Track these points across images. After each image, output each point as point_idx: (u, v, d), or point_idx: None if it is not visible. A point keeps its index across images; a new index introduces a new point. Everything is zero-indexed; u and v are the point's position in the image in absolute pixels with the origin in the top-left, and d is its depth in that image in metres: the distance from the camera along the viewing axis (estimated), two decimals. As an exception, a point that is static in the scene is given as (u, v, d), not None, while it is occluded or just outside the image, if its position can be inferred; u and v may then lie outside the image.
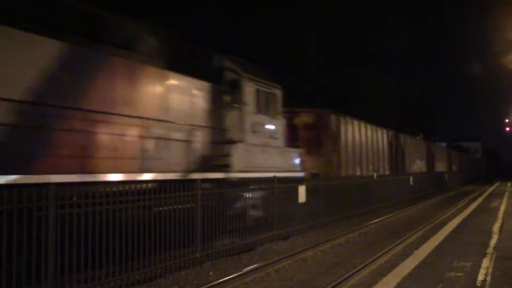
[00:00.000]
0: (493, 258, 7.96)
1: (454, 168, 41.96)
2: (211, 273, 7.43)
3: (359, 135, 17.87)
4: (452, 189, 33.02)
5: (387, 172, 20.89)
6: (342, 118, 16.47)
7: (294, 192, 11.20)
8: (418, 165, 27.68)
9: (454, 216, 15.09)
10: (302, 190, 11.57)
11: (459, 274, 6.86)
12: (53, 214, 5.48)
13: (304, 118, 14.53)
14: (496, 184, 42.22)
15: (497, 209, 16.89)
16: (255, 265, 7.74)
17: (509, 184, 40.46)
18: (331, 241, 10.32)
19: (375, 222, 13.72)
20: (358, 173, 17.23)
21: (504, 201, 20.26)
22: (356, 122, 17.75)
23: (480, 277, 6.66)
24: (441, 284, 6.28)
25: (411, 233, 11.36)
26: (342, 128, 16.33)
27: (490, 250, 8.76)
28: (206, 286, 6.53)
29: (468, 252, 8.57)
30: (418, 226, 12.75)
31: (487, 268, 7.20)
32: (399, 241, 10.15)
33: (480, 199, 22.35)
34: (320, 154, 14.61)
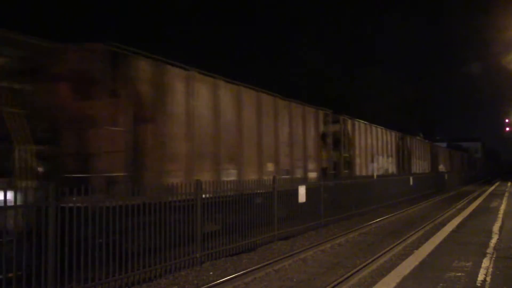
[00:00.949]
0: (493, 258, 7.95)
1: (442, 167, 35.38)
2: (211, 273, 7.43)
3: (237, 110, 10.35)
4: (452, 189, 33.00)
5: (312, 175, 13.47)
6: (180, 72, 8.73)
7: None
8: (381, 164, 20.50)
9: (454, 216, 15.08)
10: (302, 190, 11.56)
11: (459, 274, 6.85)
12: (53, 214, 5.48)
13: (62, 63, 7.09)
14: (496, 184, 42.21)
15: (497, 209, 16.87)
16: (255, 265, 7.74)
17: (509, 184, 40.46)
18: (331, 241, 10.32)
19: (375, 222, 13.71)
20: (230, 177, 9.68)
21: (504, 201, 20.24)
22: (225, 84, 10.02)
23: (480, 277, 6.66)
24: (441, 284, 6.28)
25: (411, 233, 11.36)
26: (179, 92, 8.65)
27: (490, 250, 8.75)
28: (206, 286, 6.53)
29: (468, 252, 8.56)
30: (418, 226, 12.75)
31: (487, 268, 7.19)
32: (399, 241, 10.15)
33: (480, 199, 22.33)
34: (106, 140, 7.26)
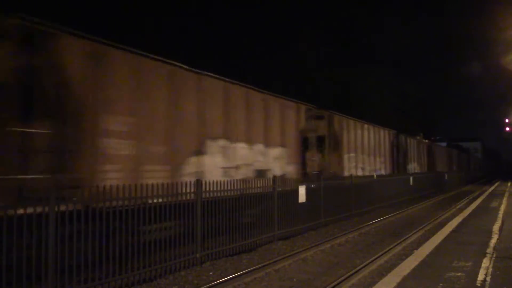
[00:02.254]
0: (493, 258, 7.96)
1: (415, 167, 27.64)
2: (211, 273, 7.43)
3: None
4: (452, 189, 32.99)
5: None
6: None
7: None
8: (263, 163, 11.39)
9: (454, 216, 15.08)
10: (302, 190, 11.56)
11: (459, 274, 6.86)
12: (54, 214, 5.50)
13: None
14: (496, 184, 42.21)
15: (497, 209, 16.87)
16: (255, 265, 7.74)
17: (509, 184, 40.46)
18: (331, 241, 10.32)
19: (375, 222, 13.71)
20: None
21: (504, 201, 20.24)
22: None
23: (480, 277, 6.66)
24: (441, 284, 6.28)
25: (411, 233, 11.36)
26: None
27: (490, 250, 8.76)
28: (206, 286, 6.53)
29: (468, 252, 8.56)
30: (418, 226, 12.75)
31: (487, 268, 7.19)
32: (399, 241, 10.15)
33: (480, 199, 22.33)
34: None
